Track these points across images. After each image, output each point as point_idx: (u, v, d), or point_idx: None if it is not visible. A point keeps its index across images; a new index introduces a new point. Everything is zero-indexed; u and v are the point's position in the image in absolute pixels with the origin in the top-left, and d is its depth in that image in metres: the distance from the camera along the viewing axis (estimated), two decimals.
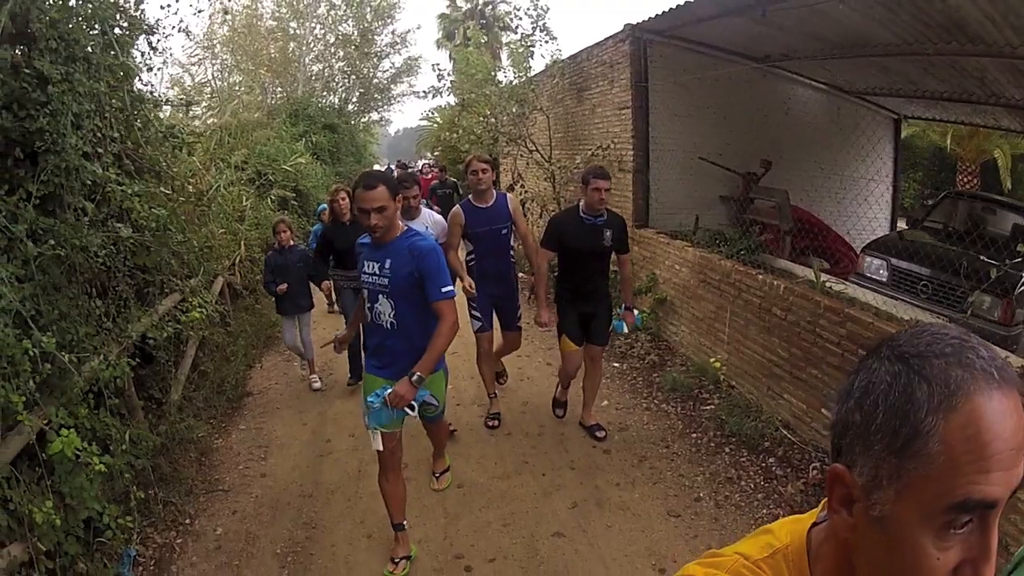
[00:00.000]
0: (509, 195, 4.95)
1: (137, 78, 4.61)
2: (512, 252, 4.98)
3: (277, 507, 4.08)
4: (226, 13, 15.89)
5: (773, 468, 4.32)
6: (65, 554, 3.02)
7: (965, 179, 14.97)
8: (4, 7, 3.18)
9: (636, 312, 4.85)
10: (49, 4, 3.64)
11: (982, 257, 5.07)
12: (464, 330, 4.19)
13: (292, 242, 5.95)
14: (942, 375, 0.64)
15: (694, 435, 4.81)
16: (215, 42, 18.84)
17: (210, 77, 18.97)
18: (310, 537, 3.76)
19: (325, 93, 21.74)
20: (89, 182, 3.63)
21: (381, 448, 3.23)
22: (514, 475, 4.34)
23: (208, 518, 3.99)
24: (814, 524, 0.81)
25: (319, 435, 5.07)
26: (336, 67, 22.29)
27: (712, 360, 5.61)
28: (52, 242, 3.18)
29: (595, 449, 4.63)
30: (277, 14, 20.67)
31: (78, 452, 2.78)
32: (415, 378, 3.07)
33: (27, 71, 3.34)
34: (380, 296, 3.18)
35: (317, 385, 6.01)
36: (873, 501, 0.67)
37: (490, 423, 5.07)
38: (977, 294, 4.96)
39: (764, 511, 3.88)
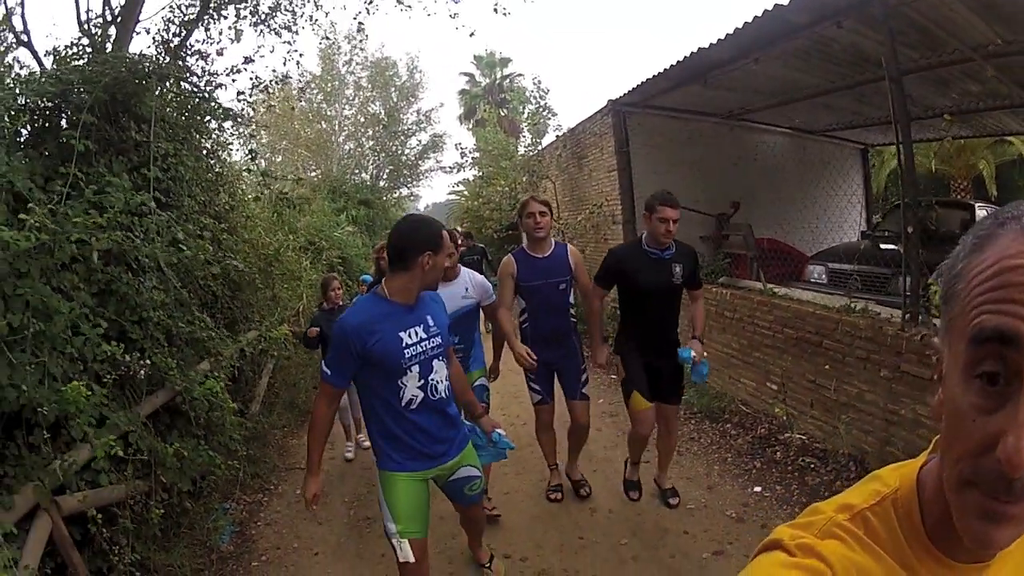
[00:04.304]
0: (570, 246, 4.36)
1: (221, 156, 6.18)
2: (572, 310, 4.33)
3: (344, 476, 5.36)
4: (293, 109, 17.70)
5: (729, 430, 5.50)
6: (178, 492, 3.88)
7: (959, 196, 14.86)
8: (151, 94, 4.61)
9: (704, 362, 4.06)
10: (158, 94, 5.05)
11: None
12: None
13: (340, 302, 5.62)
14: (983, 226, 0.63)
15: None
16: (257, 123, 20.43)
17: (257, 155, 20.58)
18: (370, 492, 4.97)
19: (357, 170, 22.99)
20: (198, 232, 5.08)
21: (412, 559, 2.71)
22: (526, 448, 5.48)
23: (288, 485, 5.28)
24: (923, 466, 0.74)
25: None
26: (367, 145, 23.50)
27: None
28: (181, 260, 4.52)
29: (592, 427, 5.62)
30: (308, 96, 21.95)
31: (215, 398, 4.06)
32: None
33: (158, 145, 4.71)
34: (434, 361, 2.73)
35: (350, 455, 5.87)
36: (939, 361, 0.66)
37: (551, 495, 4.56)
38: (900, 278, 6.04)
39: (715, 455, 5.07)
